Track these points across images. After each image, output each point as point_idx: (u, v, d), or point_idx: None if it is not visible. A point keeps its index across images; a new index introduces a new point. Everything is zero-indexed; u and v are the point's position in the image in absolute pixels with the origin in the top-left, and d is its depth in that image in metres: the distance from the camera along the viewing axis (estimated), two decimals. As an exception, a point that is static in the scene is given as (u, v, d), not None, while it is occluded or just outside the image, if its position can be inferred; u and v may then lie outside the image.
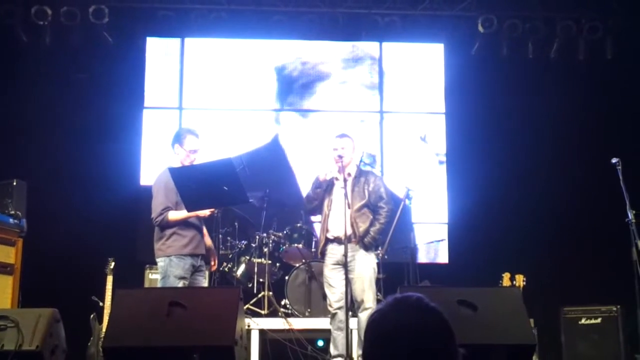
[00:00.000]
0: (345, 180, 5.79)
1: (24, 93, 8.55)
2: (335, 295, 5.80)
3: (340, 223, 5.72)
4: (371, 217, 5.92)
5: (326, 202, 5.97)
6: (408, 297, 1.97)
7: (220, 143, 9.09)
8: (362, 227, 5.85)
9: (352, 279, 5.84)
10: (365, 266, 5.86)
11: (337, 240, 5.83)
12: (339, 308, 5.74)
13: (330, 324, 5.91)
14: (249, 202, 6.41)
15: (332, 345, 5.86)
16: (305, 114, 9.37)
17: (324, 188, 5.99)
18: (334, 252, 5.86)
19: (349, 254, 5.80)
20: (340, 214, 5.73)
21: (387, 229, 6.09)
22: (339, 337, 5.73)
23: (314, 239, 7.53)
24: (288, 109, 9.33)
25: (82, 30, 8.76)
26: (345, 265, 5.63)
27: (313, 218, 7.72)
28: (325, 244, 5.97)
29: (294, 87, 9.37)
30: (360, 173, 6.09)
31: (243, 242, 7.53)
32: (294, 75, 9.39)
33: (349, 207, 5.70)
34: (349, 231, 5.78)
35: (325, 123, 9.24)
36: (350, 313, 5.79)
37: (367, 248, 5.87)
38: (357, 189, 5.95)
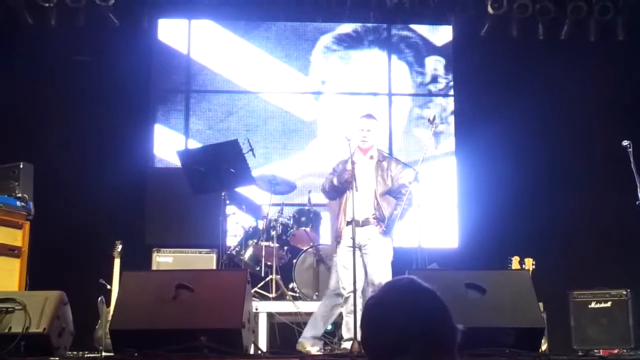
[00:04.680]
0: (353, 164, 5.72)
1: (30, 75, 8.51)
2: (349, 278, 5.71)
3: (358, 206, 5.67)
4: (394, 201, 5.90)
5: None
6: (400, 280, 1.98)
7: (228, 125, 9.08)
8: (388, 211, 5.84)
9: (369, 262, 5.82)
10: (383, 249, 5.85)
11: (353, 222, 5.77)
12: (351, 292, 5.67)
13: (342, 307, 5.88)
14: (256, 185, 6.41)
15: (344, 329, 5.84)
16: (315, 96, 9.31)
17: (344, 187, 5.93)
18: (351, 235, 5.79)
19: (366, 237, 5.82)
20: (359, 197, 5.68)
21: (404, 212, 6.01)
22: (351, 320, 5.68)
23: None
24: (296, 91, 9.27)
25: (88, 12, 8.71)
26: (353, 247, 5.58)
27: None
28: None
29: (301, 68, 9.31)
30: (383, 157, 6.05)
31: (250, 225, 7.49)
32: (301, 57, 9.34)
33: (356, 190, 5.64)
34: (372, 215, 5.82)
35: (335, 105, 9.20)
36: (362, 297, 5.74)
37: (386, 232, 5.84)
38: (380, 174, 5.92)
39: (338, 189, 5.95)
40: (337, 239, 6.02)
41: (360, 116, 6.11)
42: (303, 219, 7.41)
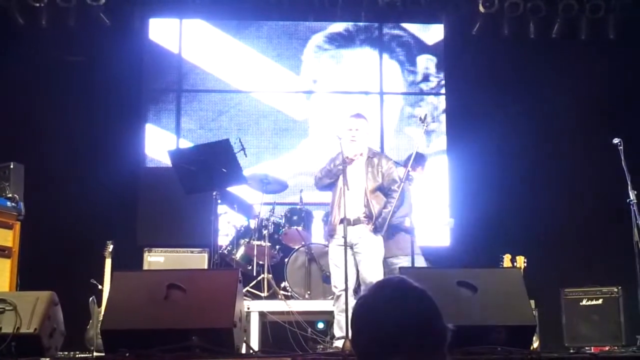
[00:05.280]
0: (345, 162, 5.72)
1: (21, 75, 8.48)
2: (340, 276, 5.71)
3: (349, 204, 5.66)
4: (384, 199, 5.91)
5: (338, 183, 5.91)
6: (390, 279, 1.99)
7: (219, 124, 9.07)
8: (377, 208, 5.86)
9: (361, 260, 5.83)
10: (374, 248, 5.86)
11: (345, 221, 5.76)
12: (343, 290, 5.66)
13: (334, 305, 5.88)
14: (248, 184, 6.39)
15: (336, 327, 5.84)
16: (307, 95, 9.31)
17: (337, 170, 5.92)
18: (341, 233, 5.78)
19: (357, 236, 5.83)
20: (350, 195, 5.68)
21: (394, 211, 6.02)
22: (343, 319, 5.67)
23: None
24: (288, 90, 9.27)
25: (79, 12, 8.70)
26: (345, 246, 5.57)
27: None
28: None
29: (293, 68, 9.31)
30: (373, 154, 6.05)
31: (242, 224, 7.48)
32: (292, 56, 9.34)
33: (348, 189, 5.65)
34: (362, 213, 5.83)
35: (326, 104, 9.21)
36: (354, 295, 5.74)
37: (376, 230, 5.85)
38: (371, 170, 5.93)
39: (331, 173, 5.95)
40: (330, 233, 6.02)
41: (349, 115, 6.12)
42: (295, 218, 7.41)
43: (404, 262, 6.49)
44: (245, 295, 6.48)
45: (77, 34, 8.77)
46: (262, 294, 6.95)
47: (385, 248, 6.07)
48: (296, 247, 7.28)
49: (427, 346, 1.84)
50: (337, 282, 5.81)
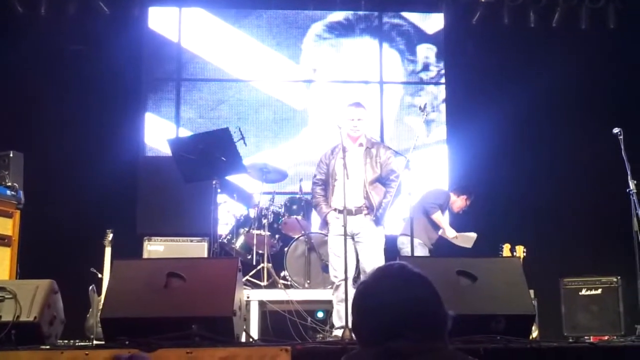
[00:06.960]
0: (345, 151, 5.71)
1: (20, 64, 8.47)
2: (340, 266, 5.70)
3: (349, 194, 5.63)
4: (383, 189, 5.90)
5: (335, 172, 5.90)
6: (390, 265, 1.99)
7: (219, 113, 9.07)
8: (377, 199, 5.84)
9: (361, 250, 5.84)
10: (375, 237, 5.86)
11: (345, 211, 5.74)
12: (343, 279, 5.65)
13: (333, 294, 5.88)
14: (247, 173, 6.38)
15: (335, 317, 5.84)
16: (307, 84, 9.29)
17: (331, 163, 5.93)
18: (340, 223, 5.77)
19: (358, 226, 5.82)
20: (349, 185, 5.66)
21: (393, 201, 6.04)
22: (342, 309, 5.67)
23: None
24: (287, 79, 9.25)
25: (78, 1, 8.68)
26: (344, 235, 5.57)
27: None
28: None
29: (292, 57, 9.29)
30: (372, 144, 6.03)
31: (242, 213, 7.48)
32: (292, 45, 9.31)
33: (347, 178, 5.63)
34: (362, 203, 5.83)
35: (326, 93, 9.19)
36: (354, 284, 5.74)
37: (377, 221, 5.84)
38: (369, 161, 5.90)
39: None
40: (322, 227, 6.03)
41: (349, 105, 6.06)
42: (294, 207, 7.40)
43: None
44: (245, 284, 6.49)
45: (76, 22, 8.75)
46: (262, 283, 6.96)
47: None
48: (296, 237, 7.28)
49: (428, 332, 1.85)
50: (337, 271, 5.81)
